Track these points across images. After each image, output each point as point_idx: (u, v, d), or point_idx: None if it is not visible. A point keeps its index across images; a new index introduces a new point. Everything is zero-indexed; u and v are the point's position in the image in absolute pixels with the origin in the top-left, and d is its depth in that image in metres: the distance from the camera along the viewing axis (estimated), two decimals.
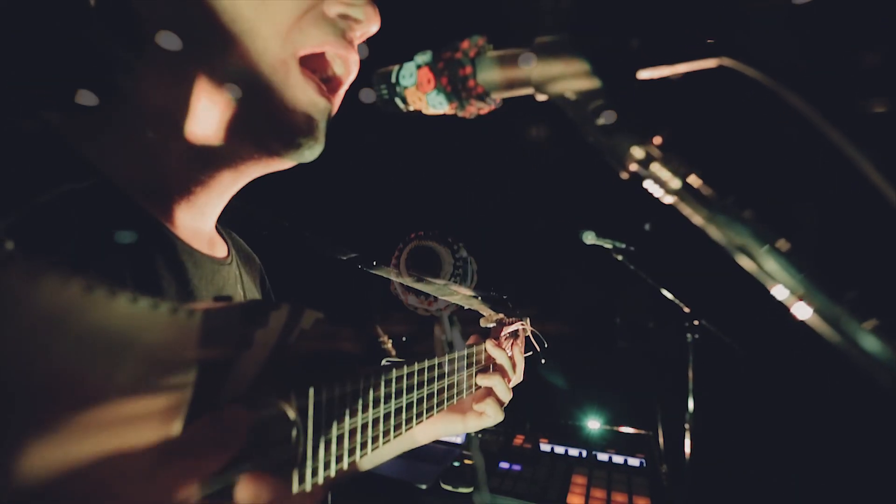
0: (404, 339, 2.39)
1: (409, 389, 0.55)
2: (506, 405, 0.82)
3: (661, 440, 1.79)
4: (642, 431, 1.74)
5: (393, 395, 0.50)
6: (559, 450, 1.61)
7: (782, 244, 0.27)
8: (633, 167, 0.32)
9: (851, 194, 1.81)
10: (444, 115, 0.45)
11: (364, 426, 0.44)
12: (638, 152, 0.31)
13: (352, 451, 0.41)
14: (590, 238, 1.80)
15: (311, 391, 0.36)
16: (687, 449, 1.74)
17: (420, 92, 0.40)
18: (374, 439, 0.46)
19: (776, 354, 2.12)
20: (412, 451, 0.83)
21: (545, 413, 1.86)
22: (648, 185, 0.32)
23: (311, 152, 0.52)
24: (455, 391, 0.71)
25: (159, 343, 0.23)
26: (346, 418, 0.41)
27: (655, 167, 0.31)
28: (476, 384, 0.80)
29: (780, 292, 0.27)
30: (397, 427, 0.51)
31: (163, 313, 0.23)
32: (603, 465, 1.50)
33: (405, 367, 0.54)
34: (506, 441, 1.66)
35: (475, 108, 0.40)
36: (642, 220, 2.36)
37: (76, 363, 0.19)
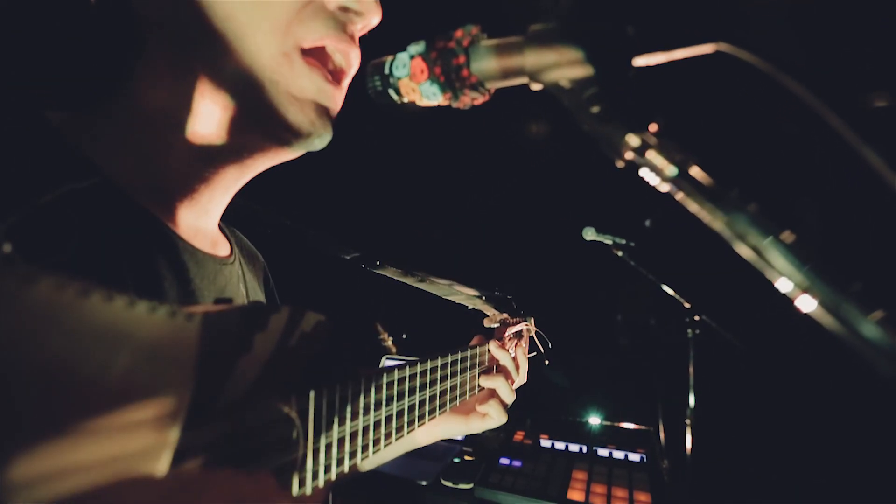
0: (405, 336, 2.39)
1: (412, 391, 0.54)
2: (509, 406, 0.82)
3: (661, 436, 1.80)
4: (643, 427, 1.74)
5: (395, 398, 0.50)
6: (560, 445, 1.61)
7: (787, 236, 0.27)
8: (629, 155, 0.31)
9: (854, 184, 1.81)
10: (440, 112, 0.45)
11: (365, 429, 0.44)
12: (633, 140, 0.31)
13: (352, 454, 0.41)
14: (590, 234, 1.80)
15: (312, 394, 0.35)
16: (688, 444, 1.74)
17: (413, 83, 0.39)
18: (375, 442, 0.46)
19: (777, 350, 2.13)
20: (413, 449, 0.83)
21: (546, 409, 1.86)
22: (644, 173, 0.31)
23: (321, 140, 0.51)
24: (458, 393, 0.71)
25: (157, 347, 0.23)
26: (347, 421, 0.40)
27: (651, 155, 0.30)
28: (479, 385, 0.79)
29: (783, 285, 0.27)
30: (399, 430, 0.51)
31: (161, 317, 0.23)
32: (604, 461, 1.50)
33: (407, 368, 0.54)
34: (506, 437, 1.66)
35: (469, 99, 0.40)
36: (643, 217, 2.35)
37: (72, 367, 0.19)
